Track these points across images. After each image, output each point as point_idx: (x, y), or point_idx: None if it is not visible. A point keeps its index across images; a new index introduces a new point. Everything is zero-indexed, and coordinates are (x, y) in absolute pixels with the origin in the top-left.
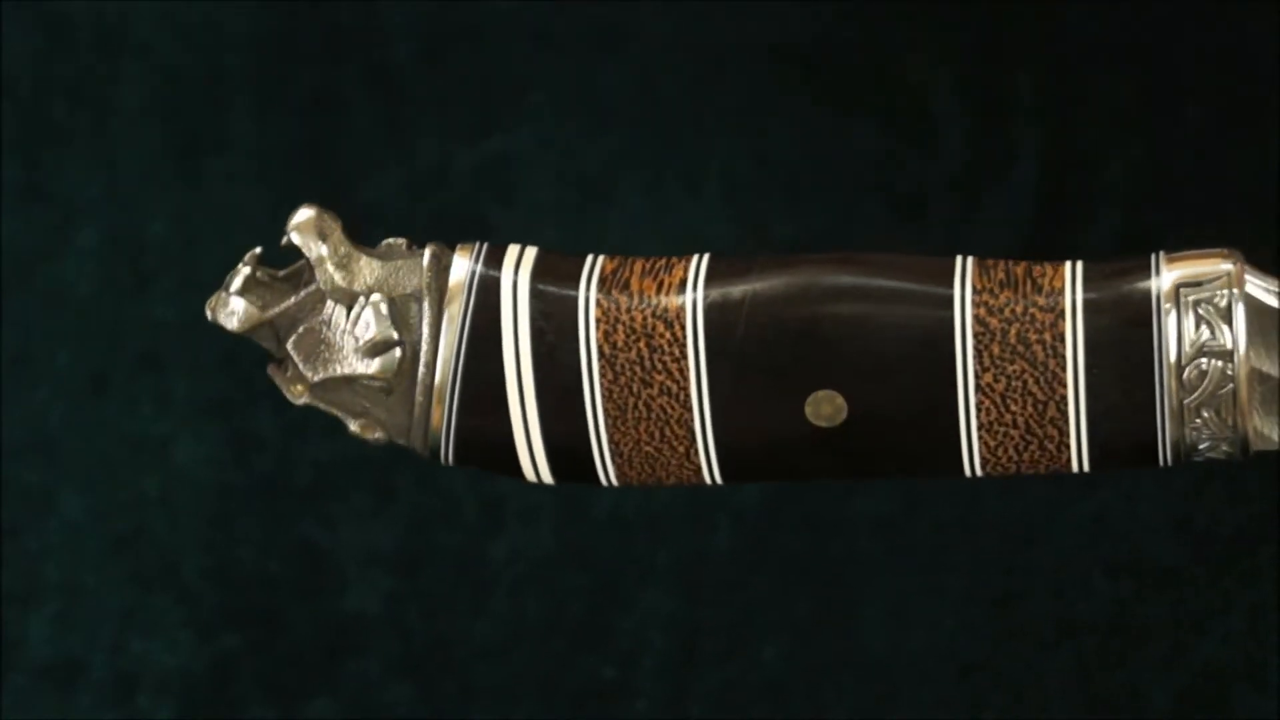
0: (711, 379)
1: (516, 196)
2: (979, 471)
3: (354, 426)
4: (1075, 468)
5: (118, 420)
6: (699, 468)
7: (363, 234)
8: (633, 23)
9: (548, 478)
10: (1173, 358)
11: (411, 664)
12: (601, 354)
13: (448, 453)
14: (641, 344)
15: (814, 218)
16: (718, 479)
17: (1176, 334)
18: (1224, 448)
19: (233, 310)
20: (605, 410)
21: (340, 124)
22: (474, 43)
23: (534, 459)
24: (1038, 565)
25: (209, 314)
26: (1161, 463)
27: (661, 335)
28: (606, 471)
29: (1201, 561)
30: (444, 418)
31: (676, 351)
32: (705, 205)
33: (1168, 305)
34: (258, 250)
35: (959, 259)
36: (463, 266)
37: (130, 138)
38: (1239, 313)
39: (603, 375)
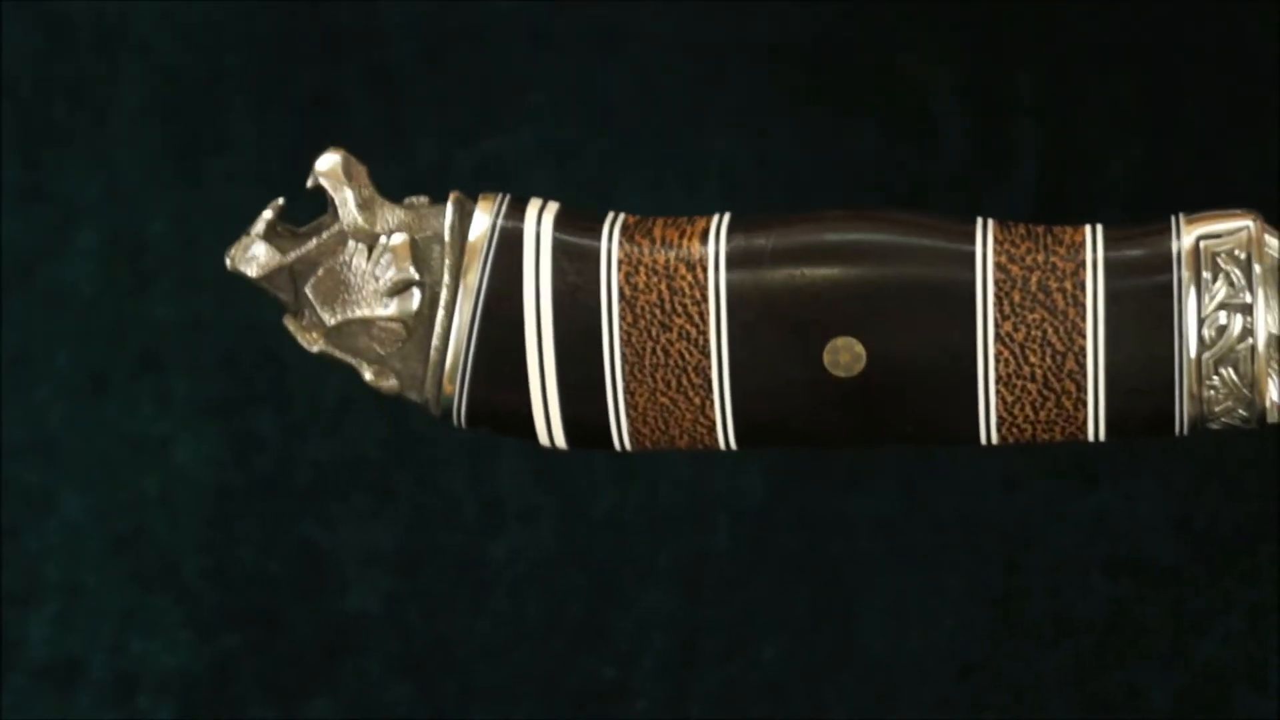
0: (731, 324)
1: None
2: (994, 435)
3: (368, 374)
4: (1091, 432)
5: (118, 420)
6: (713, 424)
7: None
8: (633, 23)
9: (560, 438)
10: (1192, 312)
11: (411, 664)
12: (622, 295)
13: (460, 406)
14: (663, 286)
15: None
16: (731, 439)
17: (1196, 289)
18: (1240, 412)
19: (254, 255)
20: (623, 355)
21: (340, 124)
22: (474, 43)
23: (547, 410)
24: (1037, 564)
25: (229, 263)
26: (1178, 429)
27: (683, 278)
28: (620, 429)
29: (1201, 561)
30: (459, 365)
31: (697, 294)
32: (705, 205)
33: (1188, 261)
34: (280, 201)
35: (979, 218)
36: (485, 215)
37: (130, 138)
38: (1258, 268)
39: (622, 318)
